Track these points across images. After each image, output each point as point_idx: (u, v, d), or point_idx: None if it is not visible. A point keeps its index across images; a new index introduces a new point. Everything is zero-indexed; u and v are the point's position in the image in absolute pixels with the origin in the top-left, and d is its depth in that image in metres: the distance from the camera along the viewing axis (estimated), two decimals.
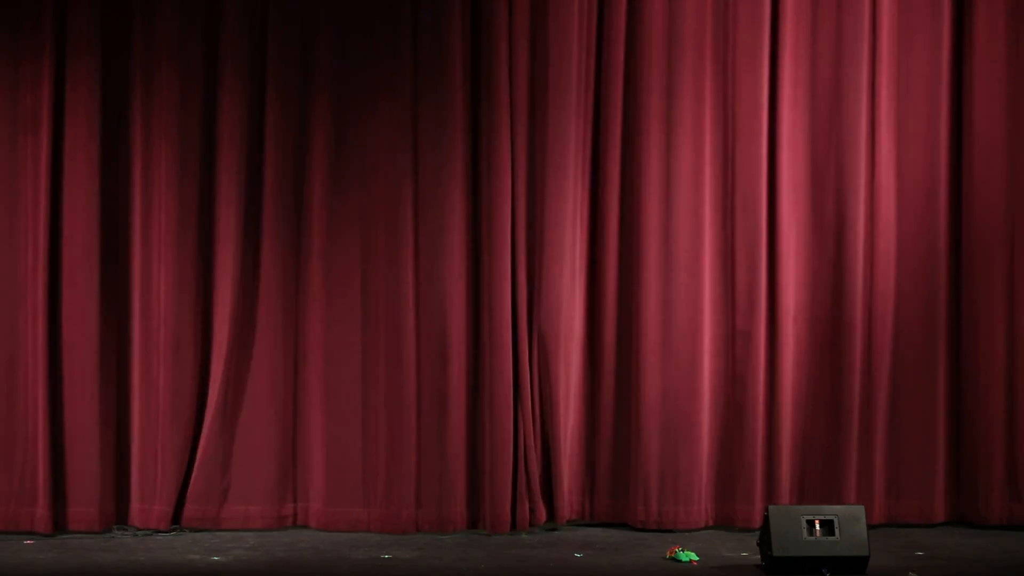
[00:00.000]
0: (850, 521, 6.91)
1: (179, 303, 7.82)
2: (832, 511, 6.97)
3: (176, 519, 7.84)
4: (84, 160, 7.76)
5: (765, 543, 6.96)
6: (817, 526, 6.90)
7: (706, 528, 7.95)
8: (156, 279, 7.85)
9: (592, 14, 7.93)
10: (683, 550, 7.29)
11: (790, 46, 7.97)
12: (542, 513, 7.88)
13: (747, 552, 7.36)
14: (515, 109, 7.84)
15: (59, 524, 7.77)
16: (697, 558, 7.23)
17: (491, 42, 7.83)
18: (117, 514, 7.86)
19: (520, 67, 7.85)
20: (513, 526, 7.83)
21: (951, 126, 8.07)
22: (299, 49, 7.86)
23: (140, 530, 7.79)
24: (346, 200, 7.86)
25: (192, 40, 7.81)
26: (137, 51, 7.81)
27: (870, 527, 7.06)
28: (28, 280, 7.77)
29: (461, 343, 7.87)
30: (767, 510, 6.99)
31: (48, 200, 7.75)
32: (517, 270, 7.87)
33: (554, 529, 7.90)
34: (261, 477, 7.90)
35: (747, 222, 7.98)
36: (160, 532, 7.76)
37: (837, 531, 6.88)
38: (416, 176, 7.85)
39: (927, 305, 8.04)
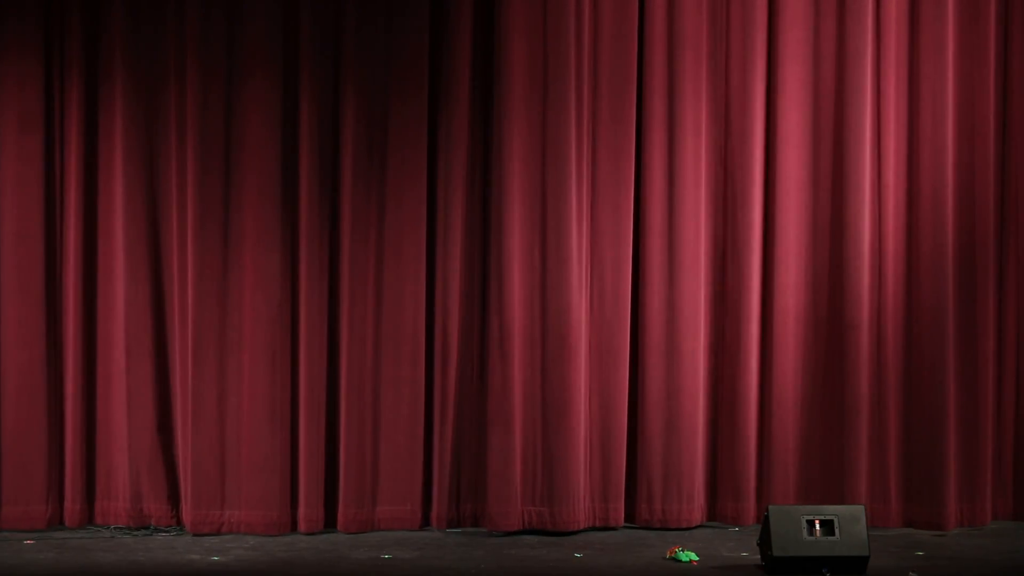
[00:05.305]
0: (850, 521, 6.91)
1: (202, 300, 7.78)
2: (832, 511, 6.97)
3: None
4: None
5: (765, 543, 6.96)
6: (817, 526, 6.91)
7: None
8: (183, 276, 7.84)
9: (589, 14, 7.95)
10: (683, 550, 7.29)
11: (789, 45, 7.99)
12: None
13: (747, 552, 7.37)
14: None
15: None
16: (697, 558, 7.23)
17: (493, 46, 7.87)
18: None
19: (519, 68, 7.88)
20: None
21: (957, 127, 8.07)
22: (330, 52, 7.87)
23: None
24: (370, 198, 7.88)
25: (216, 42, 7.79)
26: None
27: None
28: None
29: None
30: (767, 510, 7.00)
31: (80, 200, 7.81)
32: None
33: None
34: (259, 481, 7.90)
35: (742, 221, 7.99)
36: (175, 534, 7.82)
37: (837, 531, 6.89)
38: (433, 174, 7.90)
39: (936, 306, 8.02)
